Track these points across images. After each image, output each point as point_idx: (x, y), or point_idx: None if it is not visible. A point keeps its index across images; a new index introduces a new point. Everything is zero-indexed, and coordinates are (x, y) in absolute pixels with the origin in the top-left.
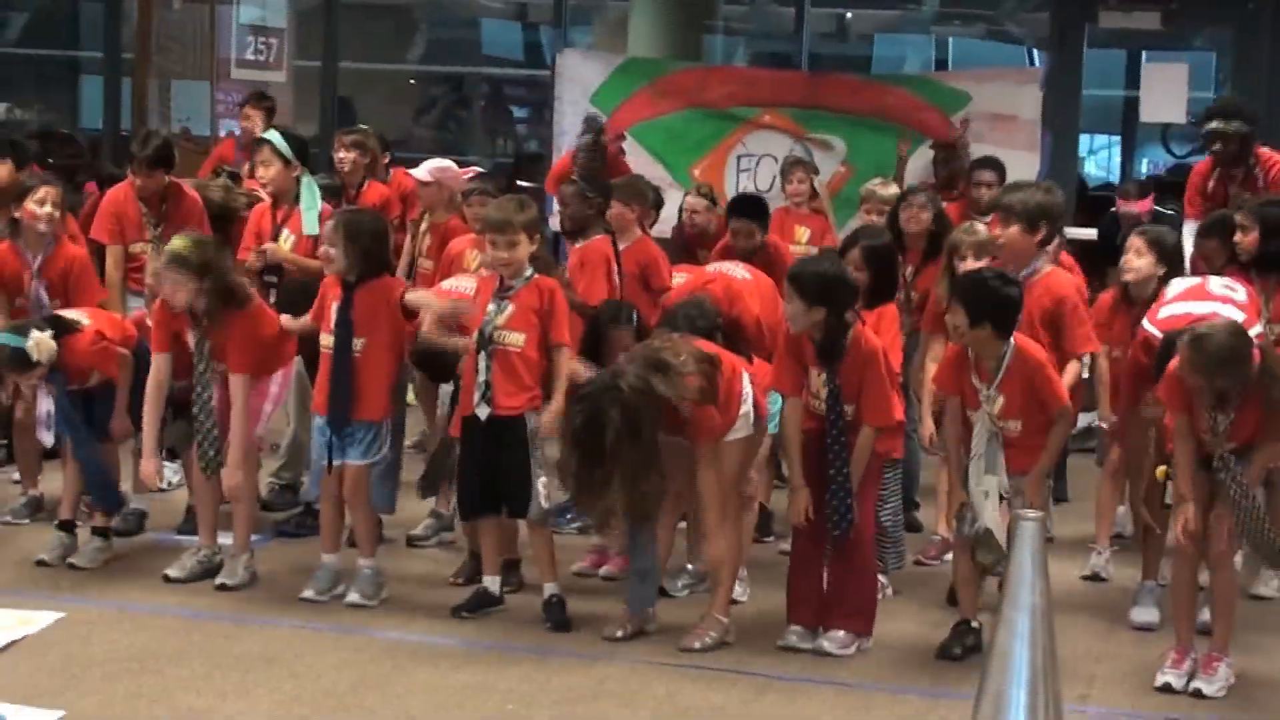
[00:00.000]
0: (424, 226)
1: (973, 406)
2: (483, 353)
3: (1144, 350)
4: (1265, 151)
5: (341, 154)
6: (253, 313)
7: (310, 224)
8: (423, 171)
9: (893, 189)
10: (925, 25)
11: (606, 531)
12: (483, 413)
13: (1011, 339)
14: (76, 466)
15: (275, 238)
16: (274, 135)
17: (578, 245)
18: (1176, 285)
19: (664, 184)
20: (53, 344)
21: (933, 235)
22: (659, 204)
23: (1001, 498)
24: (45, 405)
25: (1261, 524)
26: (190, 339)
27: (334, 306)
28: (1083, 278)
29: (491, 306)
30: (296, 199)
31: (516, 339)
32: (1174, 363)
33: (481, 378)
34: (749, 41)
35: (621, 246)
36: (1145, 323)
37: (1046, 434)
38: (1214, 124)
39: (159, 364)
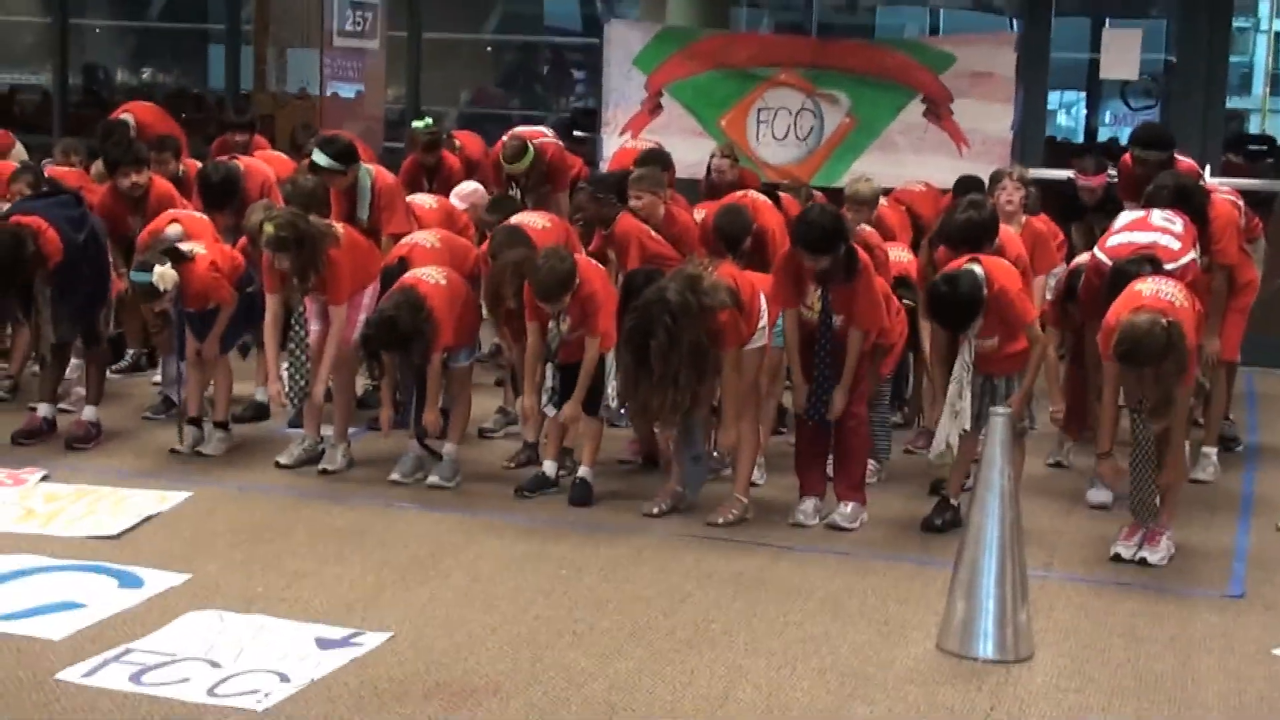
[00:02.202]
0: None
1: None
2: (550, 364)
3: (1095, 274)
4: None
5: None
6: (344, 247)
7: (364, 208)
8: (460, 203)
9: (874, 186)
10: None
11: (642, 423)
12: (550, 412)
13: (983, 269)
14: (197, 372)
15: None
16: (320, 157)
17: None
18: (1124, 217)
19: (694, 133)
20: (174, 274)
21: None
22: (670, 164)
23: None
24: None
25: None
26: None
27: None
28: (1059, 232)
29: (551, 325)
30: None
31: (575, 335)
32: (1111, 314)
33: (549, 383)
34: (770, 12)
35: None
36: (1096, 249)
37: (1019, 344)
38: (1137, 151)
39: (273, 305)
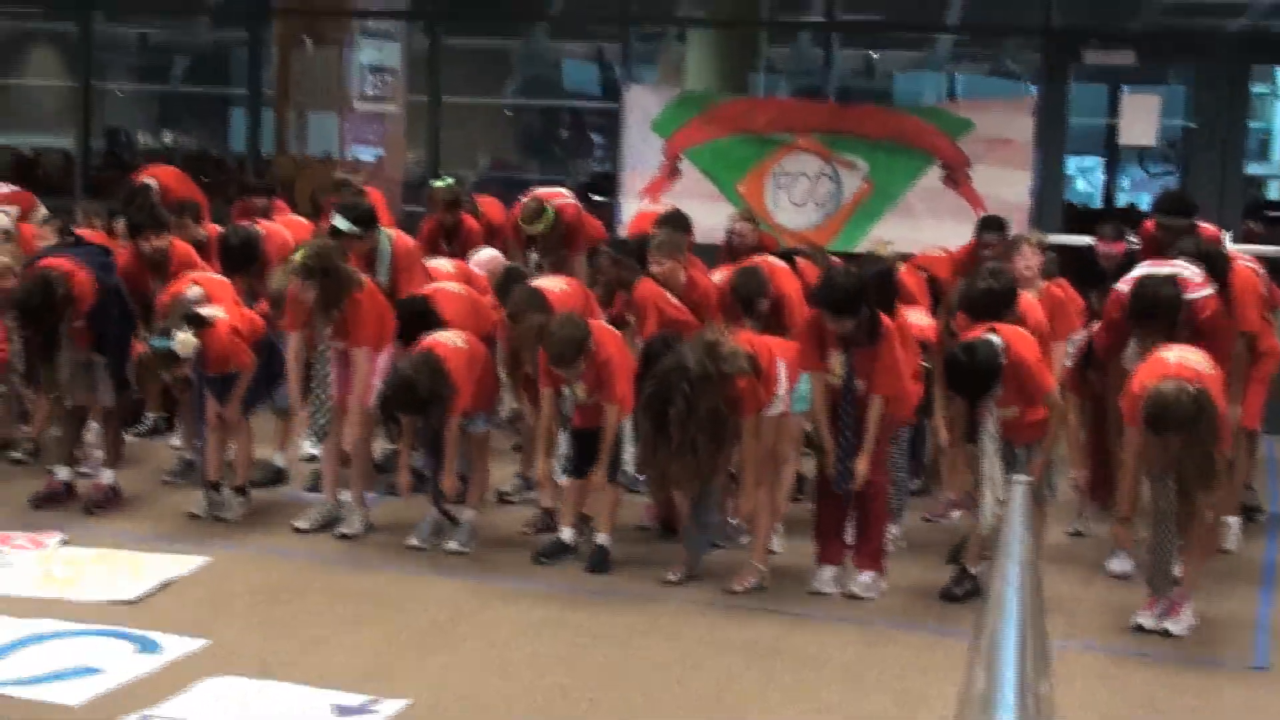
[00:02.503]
0: None
1: None
2: (564, 431)
3: (1116, 308)
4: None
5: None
6: (368, 294)
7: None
8: (478, 269)
9: (893, 251)
10: (939, 64)
11: (660, 490)
12: (562, 480)
13: (1001, 339)
14: (217, 436)
15: None
16: (340, 221)
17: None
18: (1143, 265)
19: (712, 198)
20: (194, 340)
21: None
22: (689, 228)
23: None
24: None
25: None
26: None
27: None
28: (1079, 297)
29: (566, 390)
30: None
31: (584, 398)
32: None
33: (563, 450)
34: (788, 77)
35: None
36: (1118, 285)
37: (1039, 413)
38: (1160, 218)
39: (295, 343)
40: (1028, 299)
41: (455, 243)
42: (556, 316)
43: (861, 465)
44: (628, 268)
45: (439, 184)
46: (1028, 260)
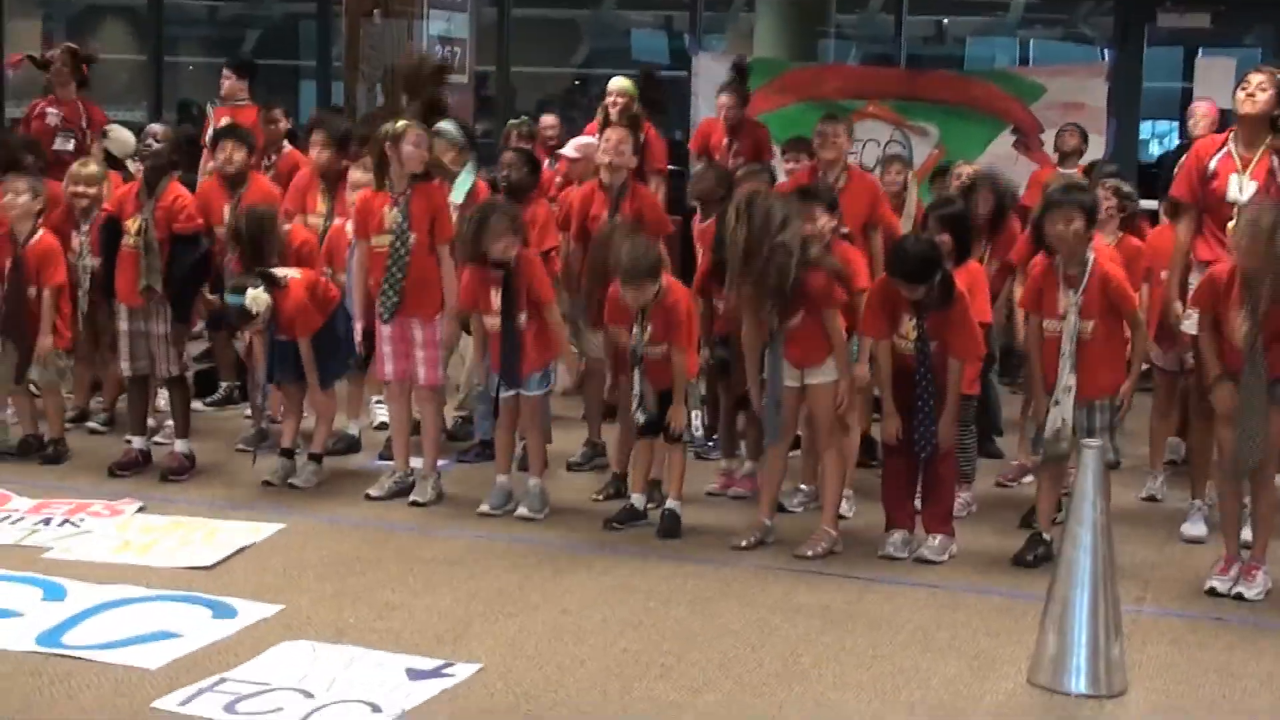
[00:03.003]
0: None
1: (1054, 315)
2: (636, 368)
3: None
4: None
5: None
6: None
7: (458, 193)
8: (570, 150)
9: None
10: (1011, 29)
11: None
12: (640, 418)
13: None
14: (292, 402)
15: None
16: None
17: (703, 224)
18: None
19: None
20: (267, 297)
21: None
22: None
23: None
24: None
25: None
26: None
27: (494, 291)
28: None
29: (636, 330)
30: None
31: (657, 351)
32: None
33: (635, 389)
34: (858, 44)
35: None
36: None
37: (1113, 345)
38: None
39: (362, 250)
40: (1101, 243)
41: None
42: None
43: (945, 429)
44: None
45: (515, 121)
46: (1104, 203)
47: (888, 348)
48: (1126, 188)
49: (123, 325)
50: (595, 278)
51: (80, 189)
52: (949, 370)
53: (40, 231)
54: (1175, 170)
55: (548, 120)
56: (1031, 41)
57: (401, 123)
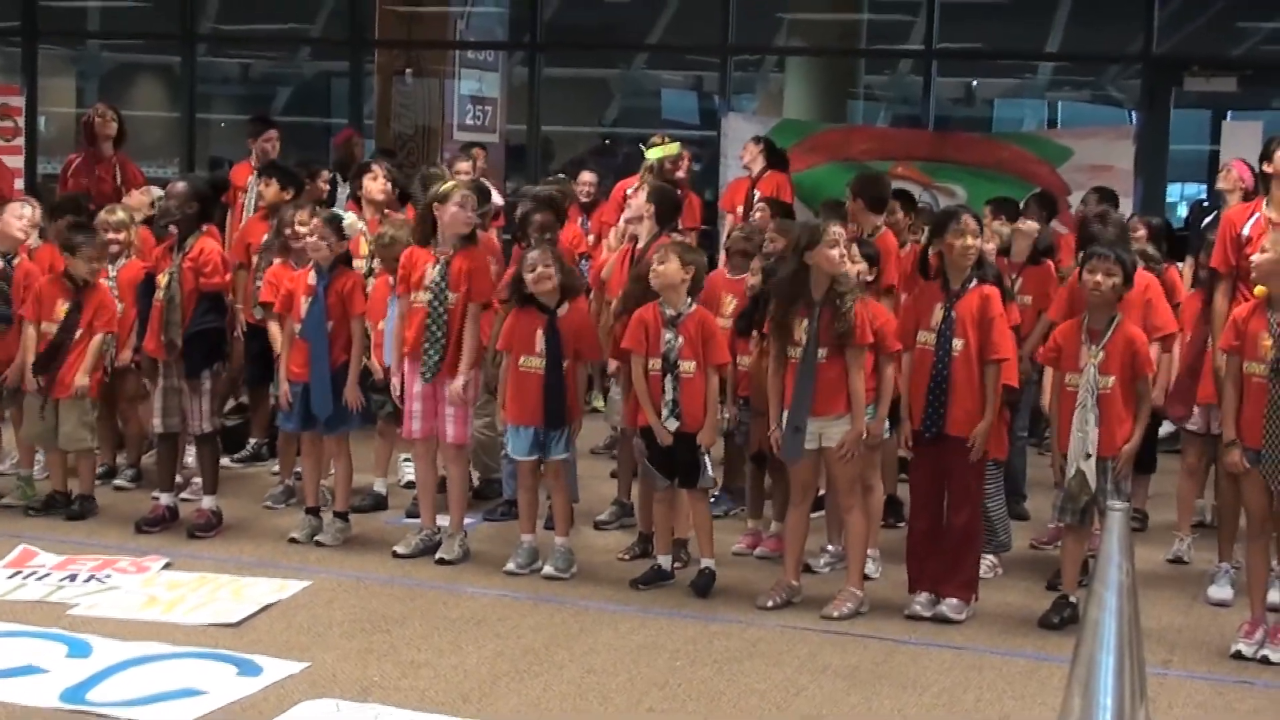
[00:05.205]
0: None
1: (1074, 369)
2: (669, 375)
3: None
4: None
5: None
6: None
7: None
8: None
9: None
10: (1039, 91)
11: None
12: (672, 425)
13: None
14: (312, 461)
15: None
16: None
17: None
18: None
19: None
20: (361, 225)
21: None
22: None
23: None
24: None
25: None
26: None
27: (539, 333)
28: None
29: (668, 335)
30: None
31: (688, 367)
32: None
33: (669, 396)
34: (887, 105)
35: None
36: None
37: (1132, 404)
38: None
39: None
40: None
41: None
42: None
43: (980, 438)
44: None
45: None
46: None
47: (913, 355)
48: (1155, 221)
49: (159, 381)
50: (631, 302)
51: (110, 235)
52: (986, 375)
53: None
54: (1201, 233)
55: (586, 177)
56: (1059, 103)
57: (449, 184)
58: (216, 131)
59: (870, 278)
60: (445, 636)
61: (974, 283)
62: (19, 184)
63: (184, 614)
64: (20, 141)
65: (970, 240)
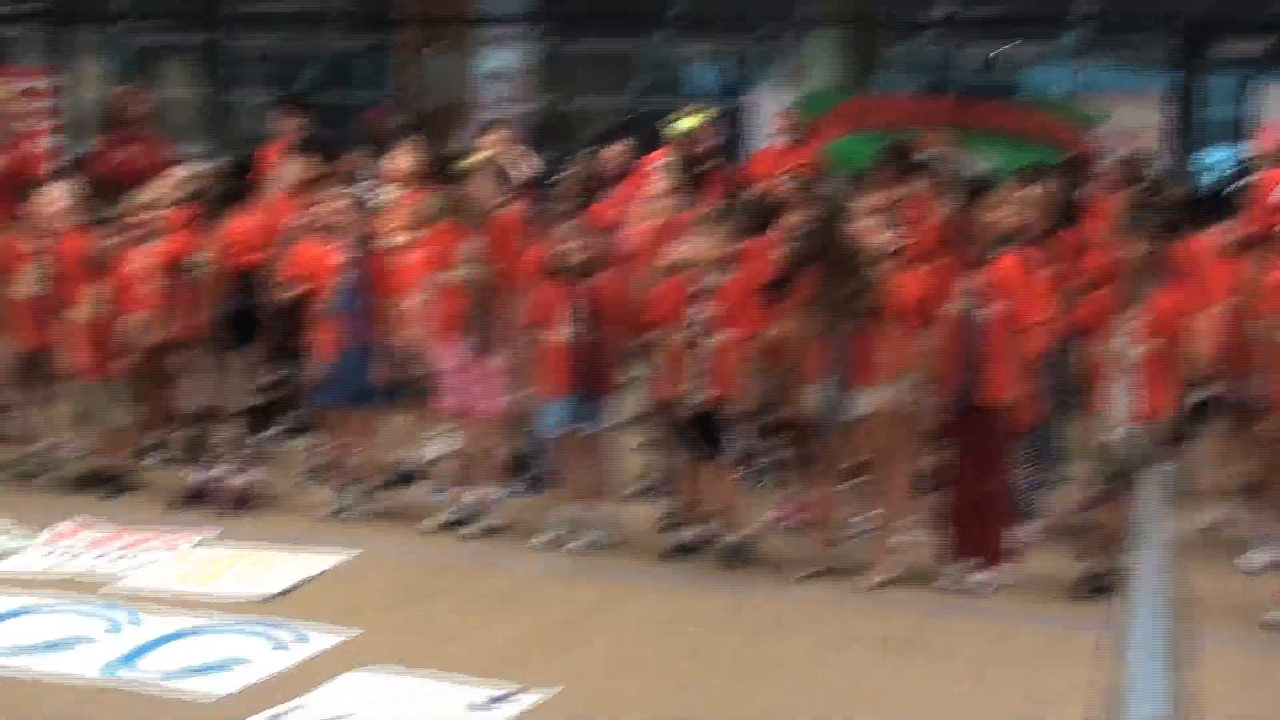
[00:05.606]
0: None
1: (1110, 336)
2: (696, 346)
3: None
4: None
5: None
6: None
7: None
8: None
9: None
10: (1066, 57)
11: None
12: (699, 396)
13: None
14: (344, 436)
15: None
16: None
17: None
18: None
19: None
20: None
21: None
22: None
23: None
24: None
25: None
26: None
27: (568, 305)
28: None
29: (696, 307)
30: None
31: (716, 338)
32: None
33: (697, 367)
34: (911, 75)
35: None
36: None
37: (1170, 371)
38: None
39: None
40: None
41: None
42: None
43: (1012, 400)
44: None
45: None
46: None
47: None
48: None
49: (192, 359)
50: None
51: (144, 215)
52: (1016, 342)
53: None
54: (1229, 198)
55: (614, 150)
56: (1087, 70)
57: (475, 159)
58: (243, 111)
59: (899, 246)
60: (479, 609)
61: (1002, 250)
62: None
63: (223, 587)
64: (51, 124)
65: (997, 209)
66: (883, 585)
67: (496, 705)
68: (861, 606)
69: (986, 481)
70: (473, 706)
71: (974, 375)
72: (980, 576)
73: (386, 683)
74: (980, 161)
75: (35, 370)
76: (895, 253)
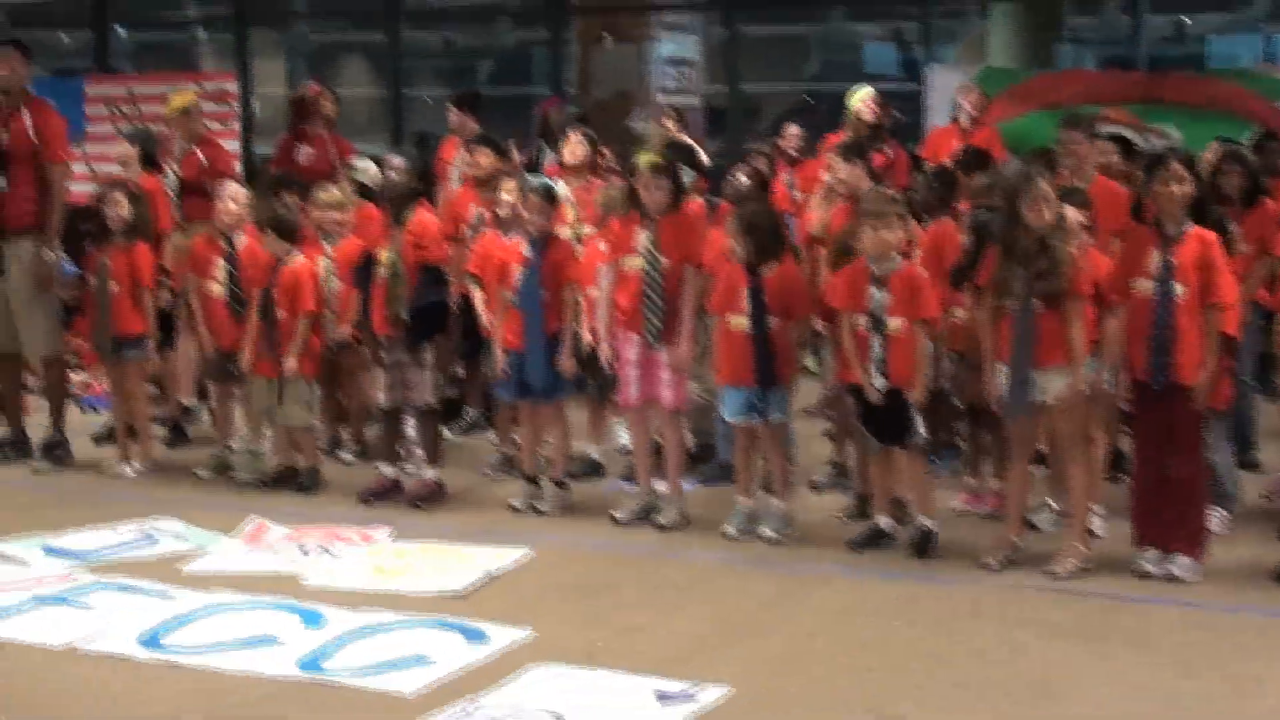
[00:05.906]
0: None
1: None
2: (876, 332)
3: None
4: None
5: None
6: None
7: None
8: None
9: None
10: (1254, 24)
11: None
12: (880, 383)
13: None
14: (530, 429)
15: None
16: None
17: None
18: None
19: None
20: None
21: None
22: None
23: None
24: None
25: None
26: None
27: (745, 292)
28: None
29: (876, 292)
30: None
31: (896, 324)
32: None
33: (877, 353)
34: (1095, 48)
35: None
36: None
37: None
38: None
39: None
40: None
41: None
42: None
43: (1205, 382)
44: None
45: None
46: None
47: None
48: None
49: (383, 355)
50: (840, 258)
51: (328, 214)
52: (1208, 322)
53: (295, 258)
54: None
55: (792, 131)
56: (1277, 37)
57: (643, 157)
58: (421, 107)
59: (1087, 224)
60: (663, 601)
61: (1191, 227)
62: (237, 168)
63: (411, 583)
64: (236, 125)
65: (1179, 185)
66: (1076, 573)
67: (684, 698)
68: (1054, 595)
69: (1180, 465)
70: (662, 697)
71: (1165, 355)
72: (1178, 563)
73: (572, 676)
74: (1167, 134)
75: (227, 369)
76: (1082, 231)
